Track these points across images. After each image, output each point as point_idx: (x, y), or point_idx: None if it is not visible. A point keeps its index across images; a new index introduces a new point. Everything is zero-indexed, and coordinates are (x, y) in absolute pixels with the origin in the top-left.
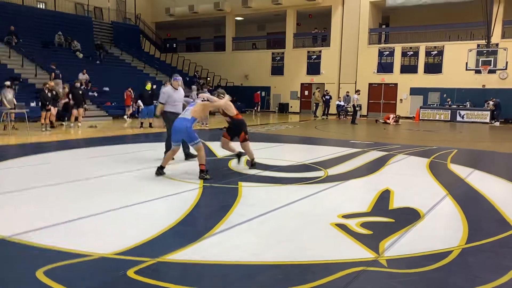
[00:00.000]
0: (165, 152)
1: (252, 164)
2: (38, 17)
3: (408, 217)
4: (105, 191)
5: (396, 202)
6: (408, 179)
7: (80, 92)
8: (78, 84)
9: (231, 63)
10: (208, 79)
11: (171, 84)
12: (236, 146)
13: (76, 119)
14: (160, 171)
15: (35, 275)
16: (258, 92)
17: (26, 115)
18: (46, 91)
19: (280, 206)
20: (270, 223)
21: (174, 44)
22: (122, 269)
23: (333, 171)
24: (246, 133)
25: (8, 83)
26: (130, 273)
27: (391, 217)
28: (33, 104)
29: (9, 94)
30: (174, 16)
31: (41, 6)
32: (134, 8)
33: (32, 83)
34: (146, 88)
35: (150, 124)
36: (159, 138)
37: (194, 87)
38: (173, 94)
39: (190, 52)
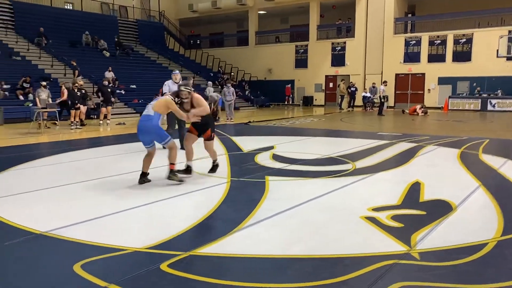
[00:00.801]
0: (181, 146)
1: (214, 166)
2: (65, 18)
3: (440, 209)
4: (135, 187)
5: (427, 194)
6: (439, 171)
7: (109, 90)
8: (106, 82)
9: (255, 57)
10: (232, 74)
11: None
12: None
13: (105, 116)
14: (143, 178)
15: (72, 269)
16: (289, 86)
17: (57, 113)
18: (75, 90)
19: (307, 200)
20: (298, 217)
21: (198, 40)
22: (155, 263)
23: (361, 163)
24: (213, 131)
25: (44, 83)
26: (164, 266)
27: (422, 210)
28: None
29: (43, 94)
30: (197, 12)
31: (68, 7)
32: (158, 5)
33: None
34: None
35: None
36: None
37: (209, 82)
38: (172, 86)
39: (214, 47)
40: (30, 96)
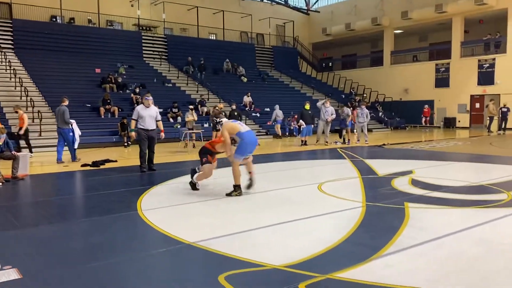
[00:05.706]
0: (142, 163)
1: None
2: (209, 47)
3: None
4: (272, 205)
5: None
6: None
7: (236, 113)
8: (234, 106)
9: (389, 77)
10: (365, 95)
11: (142, 103)
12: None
13: None
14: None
15: (217, 279)
16: (427, 107)
17: (201, 135)
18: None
19: (456, 231)
20: (446, 249)
21: (330, 63)
22: (294, 282)
23: None
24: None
25: (191, 106)
26: (302, 286)
27: None
28: (206, 125)
29: (191, 117)
30: (331, 35)
31: (212, 37)
32: (293, 31)
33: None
34: (306, 108)
35: (304, 142)
36: (316, 155)
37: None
38: (141, 111)
39: (346, 69)
40: (178, 119)
